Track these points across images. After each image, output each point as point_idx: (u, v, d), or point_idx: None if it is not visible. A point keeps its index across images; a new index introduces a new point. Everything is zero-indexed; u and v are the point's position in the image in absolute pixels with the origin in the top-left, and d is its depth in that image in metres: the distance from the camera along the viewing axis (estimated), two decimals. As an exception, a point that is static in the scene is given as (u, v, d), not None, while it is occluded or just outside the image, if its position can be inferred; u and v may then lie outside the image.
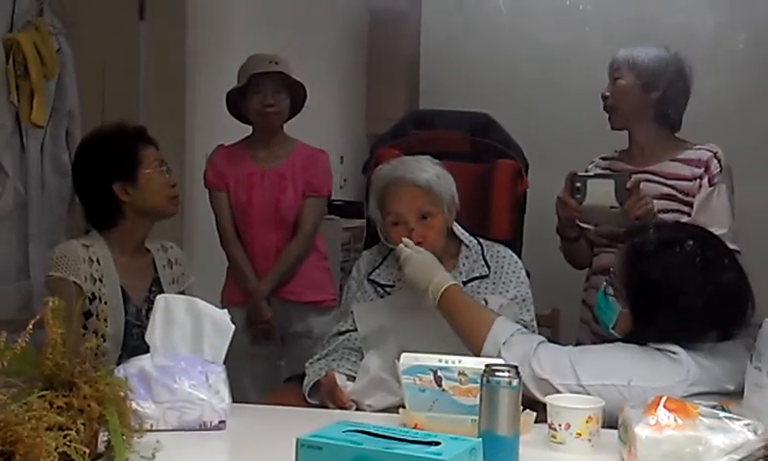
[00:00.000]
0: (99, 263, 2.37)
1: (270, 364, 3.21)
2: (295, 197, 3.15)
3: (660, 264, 1.96)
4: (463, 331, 2.09)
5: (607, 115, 2.73)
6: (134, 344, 2.25)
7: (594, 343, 2.70)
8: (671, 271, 1.94)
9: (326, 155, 3.28)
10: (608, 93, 2.70)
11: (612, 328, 2.06)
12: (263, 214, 3.15)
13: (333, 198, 5.02)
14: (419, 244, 2.28)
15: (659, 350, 1.91)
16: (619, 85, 2.68)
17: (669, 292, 1.92)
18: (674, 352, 1.89)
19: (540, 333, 2.41)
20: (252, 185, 3.16)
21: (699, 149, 2.66)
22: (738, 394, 1.79)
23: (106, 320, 2.34)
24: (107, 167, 2.38)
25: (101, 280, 2.36)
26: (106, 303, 2.35)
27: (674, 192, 2.63)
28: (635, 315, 2.00)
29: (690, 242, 1.97)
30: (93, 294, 2.34)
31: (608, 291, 2.08)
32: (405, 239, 2.25)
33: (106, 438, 1.57)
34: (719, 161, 2.62)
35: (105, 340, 2.32)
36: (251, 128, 3.22)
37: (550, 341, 2.06)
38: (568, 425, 1.75)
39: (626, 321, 2.02)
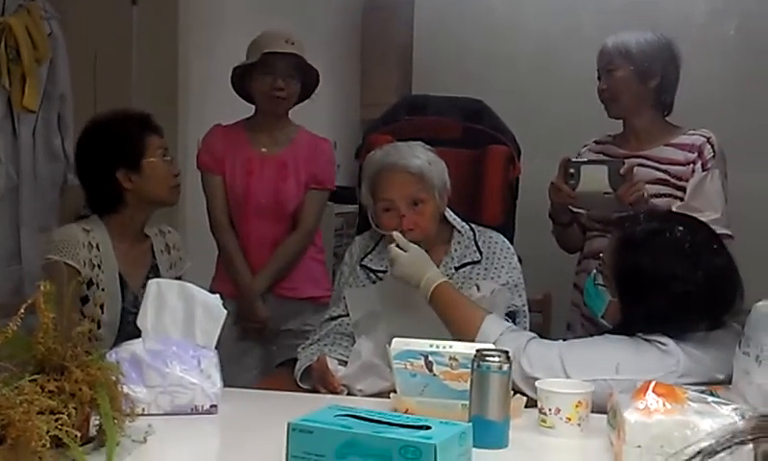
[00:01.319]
0: (98, 249, 2.37)
1: (261, 355, 3.02)
2: (296, 187, 2.96)
3: (649, 252, 1.95)
4: (453, 329, 2.08)
5: (600, 102, 2.72)
6: (130, 330, 2.23)
7: (584, 326, 2.72)
8: (659, 258, 1.94)
9: (330, 144, 3.13)
10: (604, 86, 2.67)
11: (602, 317, 2.06)
12: (261, 203, 2.94)
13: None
14: (410, 231, 2.29)
15: (647, 340, 1.91)
16: (617, 78, 2.65)
17: (658, 280, 1.92)
18: (663, 343, 1.89)
19: (531, 318, 2.43)
20: (250, 171, 2.95)
21: (692, 134, 2.67)
22: (727, 380, 1.80)
23: (102, 306, 2.34)
24: (111, 154, 2.38)
25: (99, 266, 2.36)
26: (103, 289, 2.35)
27: (667, 177, 2.63)
28: (623, 304, 2.00)
29: (679, 229, 1.97)
30: (91, 280, 2.34)
31: (597, 280, 2.07)
32: (396, 234, 2.23)
33: (97, 422, 1.57)
34: (712, 146, 2.63)
35: (100, 327, 2.32)
36: (243, 112, 3.07)
37: (541, 336, 2.05)
38: (558, 410, 1.76)
39: (615, 309, 2.02)
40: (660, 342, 1.89)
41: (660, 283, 1.91)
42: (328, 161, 3.06)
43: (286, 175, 2.95)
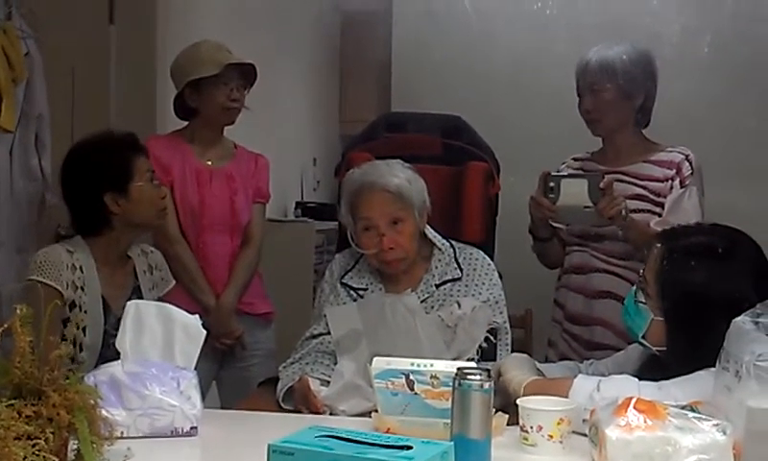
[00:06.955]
0: (81, 271, 2.35)
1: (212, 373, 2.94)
2: (245, 200, 2.94)
3: (715, 273, 1.83)
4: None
5: (582, 119, 2.72)
6: (112, 353, 2.20)
7: (567, 343, 2.72)
8: (727, 282, 1.81)
9: (268, 160, 3.08)
10: (590, 107, 2.67)
11: (643, 337, 1.93)
12: (217, 217, 2.88)
13: (306, 200, 5.05)
14: (391, 250, 2.30)
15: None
16: (603, 99, 2.65)
17: (721, 301, 1.77)
18: None
19: (512, 334, 2.42)
20: (201, 184, 2.88)
21: (671, 151, 2.69)
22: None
23: (84, 329, 2.32)
24: (98, 178, 2.36)
25: (82, 289, 2.34)
26: (86, 311, 2.33)
27: (645, 193, 2.65)
28: (676, 327, 1.86)
29: (732, 242, 1.85)
30: (73, 301, 2.32)
31: (638, 297, 1.94)
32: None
33: (75, 446, 1.55)
34: (690, 163, 2.65)
35: (82, 349, 2.30)
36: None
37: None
38: (540, 427, 1.76)
39: (659, 330, 1.90)
40: None
41: (723, 305, 1.74)
42: (268, 176, 3.05)
43: (235, 188, 2.92)
